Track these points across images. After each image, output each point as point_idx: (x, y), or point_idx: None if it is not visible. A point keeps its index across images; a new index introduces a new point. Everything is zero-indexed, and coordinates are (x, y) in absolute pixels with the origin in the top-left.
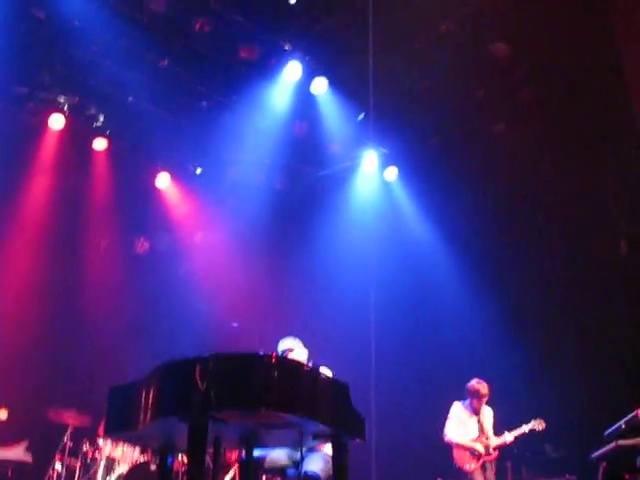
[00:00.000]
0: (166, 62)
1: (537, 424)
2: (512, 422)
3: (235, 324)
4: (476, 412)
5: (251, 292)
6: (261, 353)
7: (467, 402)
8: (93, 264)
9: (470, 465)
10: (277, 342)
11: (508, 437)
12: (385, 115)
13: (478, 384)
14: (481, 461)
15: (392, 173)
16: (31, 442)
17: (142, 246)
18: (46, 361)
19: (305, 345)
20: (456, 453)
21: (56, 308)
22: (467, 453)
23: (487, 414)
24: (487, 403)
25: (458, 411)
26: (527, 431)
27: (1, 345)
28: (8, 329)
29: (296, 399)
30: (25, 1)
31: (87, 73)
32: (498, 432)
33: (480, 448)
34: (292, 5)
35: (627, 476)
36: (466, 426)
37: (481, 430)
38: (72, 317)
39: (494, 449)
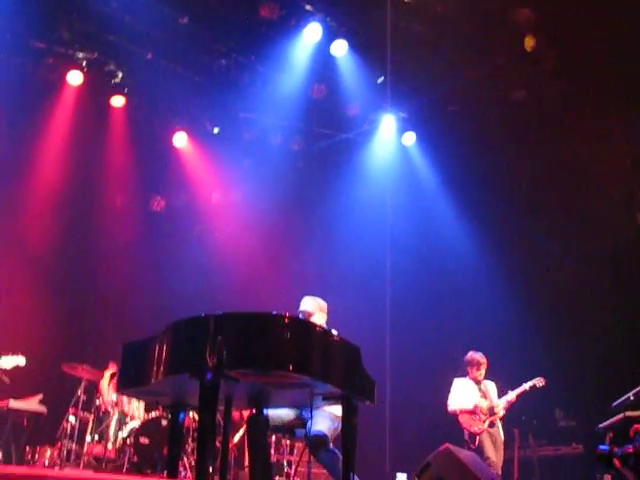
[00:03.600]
0: (186, 19)
1: (537, 381)
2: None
3: None
4: (477, 382)
5: (266, 253)
6: (274, 313)
7: (467, 377)
8: (109, 220)
9: (477, 427)
10: (292, 303)
11: (511, 395)
12: (404, 80)
13: (474, 353)
14: (488, 421)
15: (410, 138)
16: (46, 395)
17: (158, 204)
18: (62, 316)
19: (326, 307)
20: (462, 419)
21: (72, 263)
22: (471, 416)
23: (490, 388)
24: (488, 377)
25: (459, 384)
26: (528, 388)
27: (19, 299)
28: (26, 283)
29: (308, 360)
30: None
31: (106, 29)
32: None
33: (483, 404)
34: None
35: (617, 462)
36: (469, 395)
37: (484, 396)
38: (88, 273)
39: (499, 408)
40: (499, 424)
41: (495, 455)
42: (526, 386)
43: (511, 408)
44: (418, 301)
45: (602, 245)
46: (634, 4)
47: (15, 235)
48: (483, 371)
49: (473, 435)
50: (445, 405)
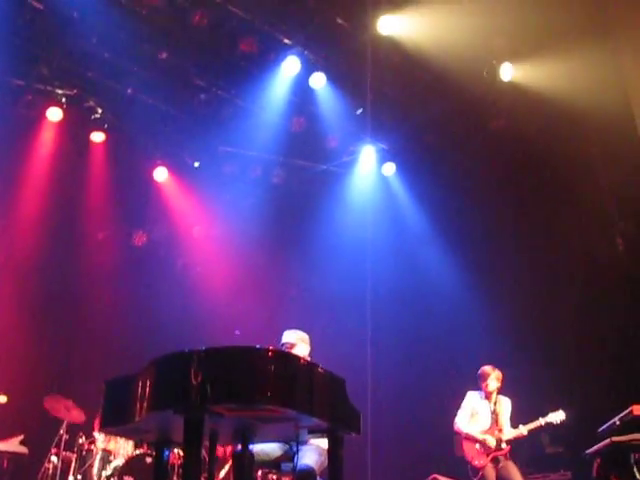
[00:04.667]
0: (165, 55)
1: (555, 416)
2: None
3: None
4: (488, 398)
5: (248, 285)
6: (257, 346)
7: (481, 391)
8: (91, 256)
9: (479, 460)
10: (274, 336)
11: (522, 430)
12: (383, 111)
13: (487, 367)
14: (491, 456)
15: (390, 168)
16: (27, 435)
17: (140, 238)
18: (42, 352)
19: (309, 339)
20: (465, 445)
21: (53, 300)
22: (476, 446)
23: (504, 404)
24: (501, 392)
25: (472, 400)
26: (543, 424)
27: None
28: (6, 322)
29: (293, 394)
30: None
31: (85, 65)
32: (514, 425)
33: (491, 441)
34: None
35: (613, 477)
36: (479, 416)
37: (495, 421)
38: (69, 309)
39: (507, 442)
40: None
41: None
42: (542, 421)
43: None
44: (399, 333)
45: (587, 277)
46: None
47: None
48: (494, 385)
49: (474, 468)
50: (429, 431)
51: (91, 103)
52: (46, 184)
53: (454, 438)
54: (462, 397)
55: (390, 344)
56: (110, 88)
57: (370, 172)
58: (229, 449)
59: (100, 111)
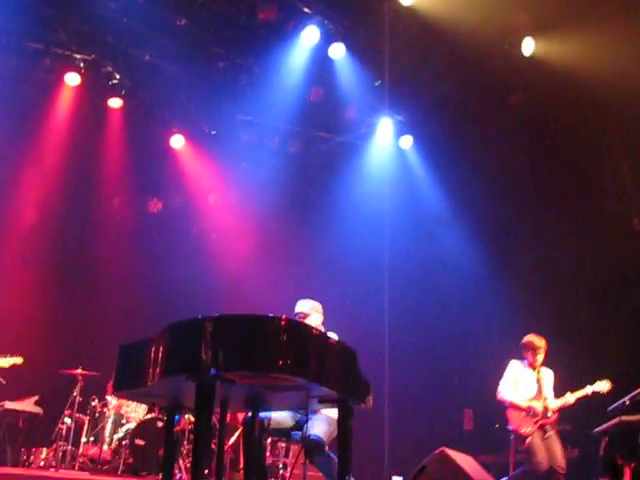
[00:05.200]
0: (184, 21)
1: (602, 385)
2: None
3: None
4: (533, 367)
5: (264, 255)
6: (270, 315)
7: (524, 360)
8: (106, 222)
9: (527, 428)
10: (288, 304)
11: (569, 398)
12: (401, 83)
13: (532, 336)
14: (539, 424)
15: (407, 141)
16: (41, 396)
17: (155, 205)
18: (58, 317)
19: (323, 309)
20: (510, 414)
21: (69, 265)
22: (523, 414)
23: (547, 376)
24: (546, 363)
25: (514, 369)
26: (590, 393)
27: (15, 300)
28: (22, 285)
29: (304, 363)
30: None
31: (104, 30)
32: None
33: (538, 407)
34: None
35: (619, 461)
36: (523, 385)
37: (539, 391)
38: (85, 274)
39: (554, 411)
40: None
41: (549, 458)
42: (588, 390)
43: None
44: (416, 303)
45: (604, 256)
46: None
47: (11, 237)
48: (540, 356)
49: (521, 436)
50: (444, 406)
51: (109, 69)
52: (63, 149)
53: (463, 413)
54: (476, 372)
55: (406, 318)
56: (128, 54)
57: (387, 144)
58: (240, 416)
59: (118, 77)
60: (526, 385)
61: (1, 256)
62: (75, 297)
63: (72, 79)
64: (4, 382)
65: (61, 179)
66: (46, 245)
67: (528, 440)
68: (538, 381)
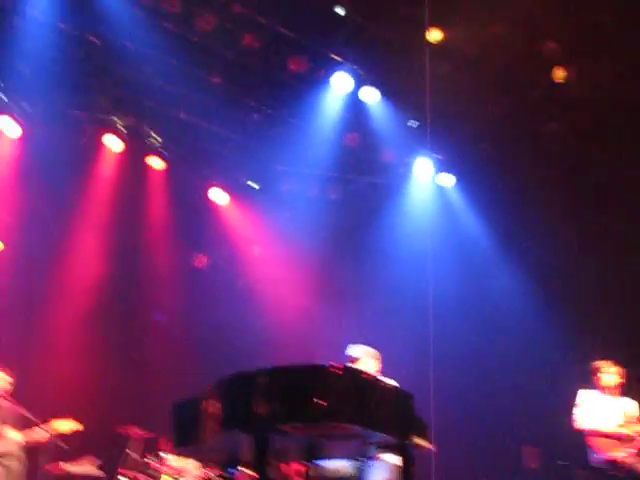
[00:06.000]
0: (217, 78)
1: None
2: None
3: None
4: (607, 391)
5: (309, 301)
6: (320, 363)
7: (596, 388)
8: (154, 280)
9: (618, 453)
10: (339, 349)
11: None
12: (436, 121)
13: (599, 362)
14: (631, 447)
15: (446, 179)
16: (97, 456)
17: (201, 261)
18: (109, 375)
19: (376, 354)
20: (595, 441)
21: (119, 324)
22: (612, 440)
23: (629, 407)
24: (624, 393)
25: (585, 397)
26: None
27: (71, 363)
28: (77, 346)
29: (359, 409)
30: (80, 27)
31: (141, 93)
32: None
33: (627, 430)
34: (340, 15)
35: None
36: (600, 412)
37: (620, 415)
38: (134, 333)
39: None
40: None
41: None
42: None
43: None
44: (463, 342)
45: None
46: None
47: (65, 298)
48: (610, 378)
49: (614, 462)
50: (493, 442)
51: (147, 129)
52: (108, 210)
53: (522, 450)
54: (521, 413)
55: (453, 356)
56: (165, 114)
57: (427, 183)
58: (297, 467)
59: (157, 137)
60: (603, 411)
61: (55, 317)
62: (124, 354)
63: (113, 142)
64: (65, 447)
65: (107, 240)
66: (96, 305)
67: (626, 464)
68: (617, 407)
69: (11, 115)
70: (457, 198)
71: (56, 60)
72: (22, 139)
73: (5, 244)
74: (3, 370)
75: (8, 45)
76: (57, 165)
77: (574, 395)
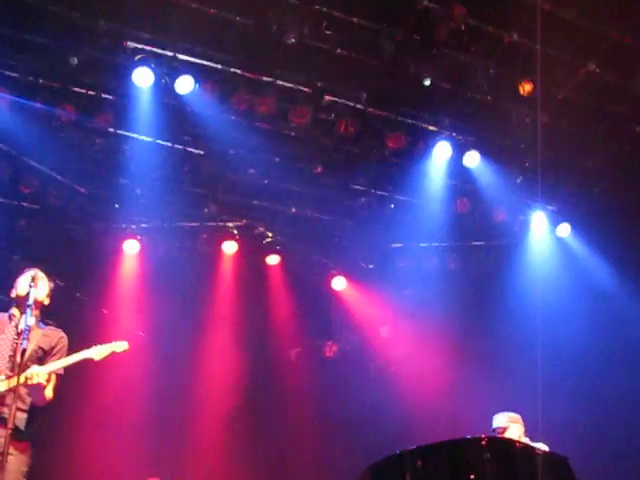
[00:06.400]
0: (320, 168)
1: None
2: None
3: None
4: None
5: (443, 374)
6: (469, 437)
7: None
8: (285, 374)
9: None
10: (485, 418)
11: None
12: (544, 172)
13: None
14: None
15: (564, 229)
16: None
17: (330, 349)
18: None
19: (519, 418)
20: None
21: (256, 426)
22: None
23: None
24: None
25: None
26: None
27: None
28: (224, 450)
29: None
30: (184, 142)
31: (249, 195)
32: None
33: None
34: (428, 86)
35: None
36: None
37: None
38: (270, 429)
39: None
40: None
41: None
42: None
43: None
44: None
45: None
46: None
47: (194, 395)
48: None
49: None
50: None
51: (261, 229)
52: (232, 313)
53: None
54: None
55: (566, 436)
56: (275, 211)
57: (544, 237)
58: None
59: (270, 235)
60: None
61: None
62: (262, 449)
63: (229, 247)
64: None
65: (234, 341)
66: (229, 408)
67: None
68: None
69: (133, 236)
70: (576, 246)
71: (164, 176)
72: (142, 254)
73: (144, 354)
74: None
75: (118, 169)
76: (179, 277)
77: None
